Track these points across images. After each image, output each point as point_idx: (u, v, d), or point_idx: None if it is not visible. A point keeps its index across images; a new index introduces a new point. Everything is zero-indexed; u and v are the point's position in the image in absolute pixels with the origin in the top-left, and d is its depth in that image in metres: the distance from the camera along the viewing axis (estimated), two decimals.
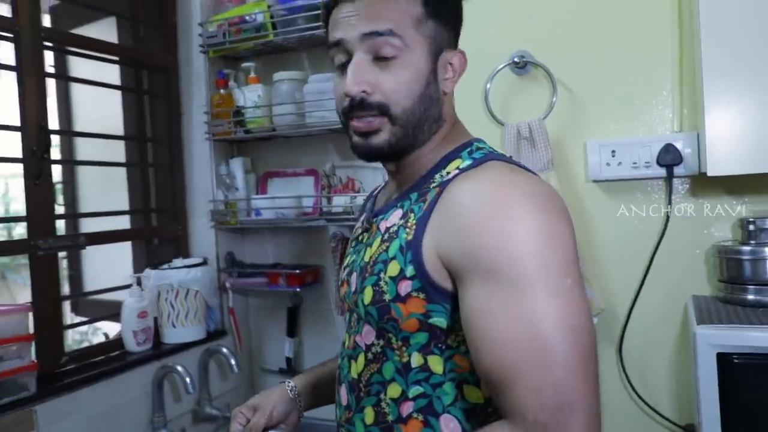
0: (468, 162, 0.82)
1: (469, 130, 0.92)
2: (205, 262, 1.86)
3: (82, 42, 1.70)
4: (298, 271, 1.86)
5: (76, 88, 2.03)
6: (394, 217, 0.85)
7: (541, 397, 0.64)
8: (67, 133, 1.96)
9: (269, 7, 1.81)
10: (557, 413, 0.64)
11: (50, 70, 1.63)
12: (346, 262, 0.95)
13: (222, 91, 1.90)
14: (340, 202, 1.80)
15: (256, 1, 1.84)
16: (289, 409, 1.05)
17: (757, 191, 1.46)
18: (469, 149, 0.85)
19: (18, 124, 1.48)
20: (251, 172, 2.00)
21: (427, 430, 0.78)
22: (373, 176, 1.83)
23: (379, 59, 0.80)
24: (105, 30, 1.93)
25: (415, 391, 0.79)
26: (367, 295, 0.82)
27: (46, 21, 1.87)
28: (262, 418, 1.01)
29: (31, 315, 1.40)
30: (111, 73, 1.92)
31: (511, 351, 0.67)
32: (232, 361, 1.68)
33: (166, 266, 1.80)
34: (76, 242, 1.58)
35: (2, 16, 1.47)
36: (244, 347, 2.02)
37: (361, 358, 0.85)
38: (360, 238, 0.94)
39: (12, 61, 1.48)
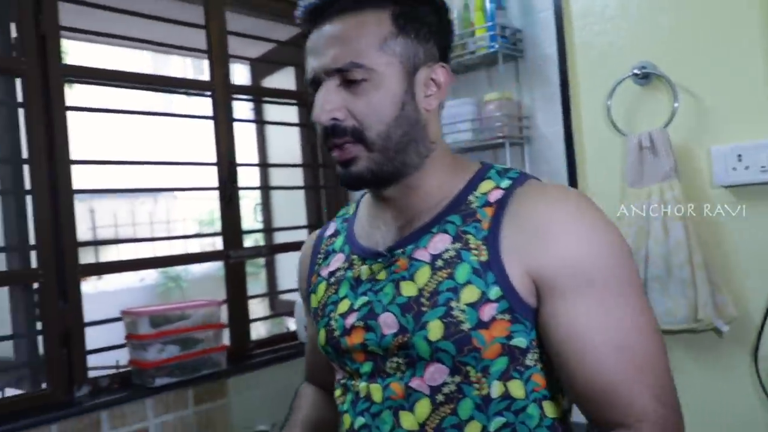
0: (507, 182, 0.81)
1: (590, 142, 1.00)
2: None
3: (263, 92, 2.12)
4: None
5: (269, 129, 2.49)
6: (439, 243, 0.79)
7: (660, 400, 0.69)
8: (249, 165, 2.39)
9: None
10: (671, 414, 0.70)
11: (243, 116, 2.07)
12: (344, 307, 0.84)
13: None
14: None
15: None
16: None
17: None
18: (493, 170, 0.84)
19: (215, 160, 1.92)
20: None
21: None
22: None
23: (349, 82, 0.77)
24: (283, 78, 2.35)
25: (497, 423, 0.74)
26: (435, 330, 0.74)
27: (244, 76, 2.34)
28: None
29: (225, 308, 1.81)
30: (291, 113, 2.33)
31: (619, 358, 0.70)
32: None
33: None
34: (259, 252, 1.98)
35: (203, 81, 1.92)
36: None
37: (425, 404, 0.76)
38: (359, 274, 0.85)
39: (210, 112, 1.93)
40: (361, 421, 0.81)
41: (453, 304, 0.74)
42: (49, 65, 1.59)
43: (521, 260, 0.74)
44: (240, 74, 2.69)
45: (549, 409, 0.77)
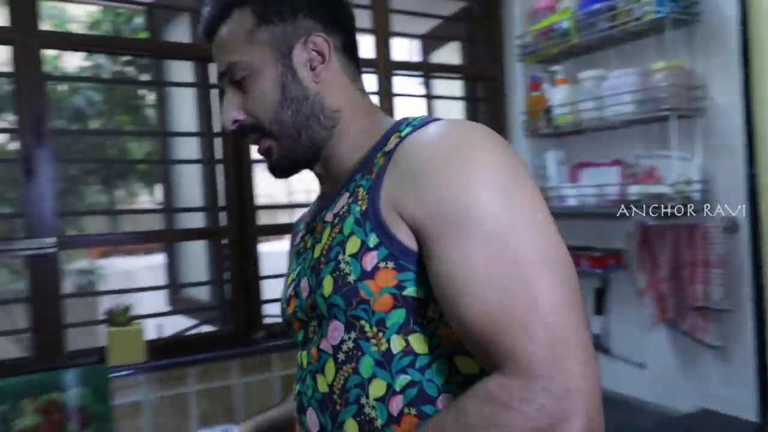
0: (408, 129, 0.77)
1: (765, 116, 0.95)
2: None
3: (425, 67, 2.21)
4: (597, 254, 2.02)
5: (438, 103, 2.58)
6: (341, 200, 0.79)
7: (531, 333, 0.60)
8: None
9: (572, 13, 2.00)
10: (551, 348, 0.60)
11: (412, 90, 2.18)
12: (290, 278, 0.87)
13: (534, 93, 2.17)
14: (638, 190, 1.88)
15: (562, 11, 2.05)
16: None
17: None
18: (405, 124, 0.80)
19: None
20: (564, 164, 2.22)
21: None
22: (680, 165, 1.85)
23: (237, 84, 0.81)
24: (451, 52, 2.41)
25: (402, 381, 0.71)
26: (327, 285, 0.74)
27: (405, 53, 2.45)
28: None
29: None
30: (454, 86, 2.40)
31: (496, 295, 0.62)
32: None
33: None
34: None
35: (368, 59, 2.06)
36: None
37: (330, 365, 0.76)
38: (302, 246, 0.87)
39: (374, 88, 2.07)
40: (296, 388, 0.83)
41: (340, 257, 0.74)
42: None
43: (396, 205, 0.70)
44: (409, 50, 2.80)
45: (463, 365, 0.72)
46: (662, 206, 1.74)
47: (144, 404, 1.60)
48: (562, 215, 2.25)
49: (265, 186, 2.28)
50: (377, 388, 0.72)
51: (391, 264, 0.71)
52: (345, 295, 0.72)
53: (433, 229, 0.67)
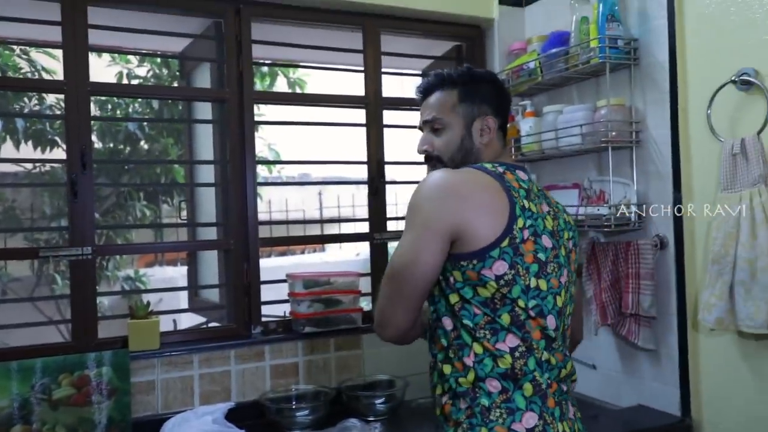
0: None
1: (696, 146, 1.63)
2: None
3: (410, 102, 2.51)
4: None
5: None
6: None
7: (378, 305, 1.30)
8: (391, 163, 2.79)
9: (538, 55, 2.28)
10: (378, 329, 1.32)
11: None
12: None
13: (508, 124, 2.44)
14: (590, 211, 2.13)
15: (530, 52, 2.34)
16: None
17: None
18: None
19: (365, 159, 2.38)
20: None
21: None
22: (623, 189, 2.10)
23: (434, 130, 1.40)
24: None
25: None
26: None
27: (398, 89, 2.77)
28: None
29: (362, 280, 2.27)
30: None
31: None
32: None
33: None
34: (397, 236, 2.40)
35: (358, 96, 2.39)
36: None
37: None
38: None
39: (363, 120, 2.39)
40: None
41: None
42: (244, 92, 2.19)
43: None
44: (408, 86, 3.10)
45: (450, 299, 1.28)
46: (606, 225, 2.00)
47: (156, 382, 1.95)
48: None
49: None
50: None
51: None
52: None
53: None
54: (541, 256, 1.25)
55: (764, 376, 1.69)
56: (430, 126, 1.39)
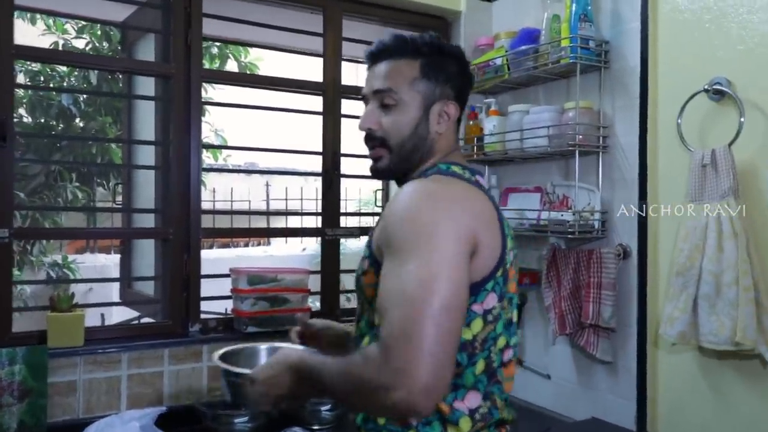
0: (418, 177, 1.12)
1: (664, 154, 1.41)
2: None
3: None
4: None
5: None
6: None
7: (389, 324, 0.90)
8: (350, 155, 2.66)
9: (506, 51, 2.20)
10: (396, 339, 0.88)
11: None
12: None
13: (471, 122, 2.36)
14: (552, 216, 2.07)
15: (497, 48, 2.25)
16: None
17: None
18: (433, 169, 1.12)
19: (320, 150, 2.24)
20: (495, 188, 2.40)
21: None
22: (587, 195, 2.03)
23: (384, 106, 1.13)
24: None
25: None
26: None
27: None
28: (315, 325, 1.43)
29: (311, 277, 2.13)
30: None
31: (385, 296, 0.94)
32: None
33: None
34: (350, 232, 2.27)
35: (316, 82, 2.25)
36: None
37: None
38: None
39: (320, 108, 2.25)
40: None
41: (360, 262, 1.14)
42: (192, 69, 2.01)
43: (376, 235, 1.07)
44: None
45: None
46: (570, 231, 1.93)
47: (78, 383, 1.76)
48: None
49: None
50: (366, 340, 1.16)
51: (374, 269, 1.08)
52: (356, 282, 1.18)
53: (383, 252, 1.04)
54: (516, 282, 1.13)
55: (723, 394, 1.66)
56: (379, 99, 1.13)
